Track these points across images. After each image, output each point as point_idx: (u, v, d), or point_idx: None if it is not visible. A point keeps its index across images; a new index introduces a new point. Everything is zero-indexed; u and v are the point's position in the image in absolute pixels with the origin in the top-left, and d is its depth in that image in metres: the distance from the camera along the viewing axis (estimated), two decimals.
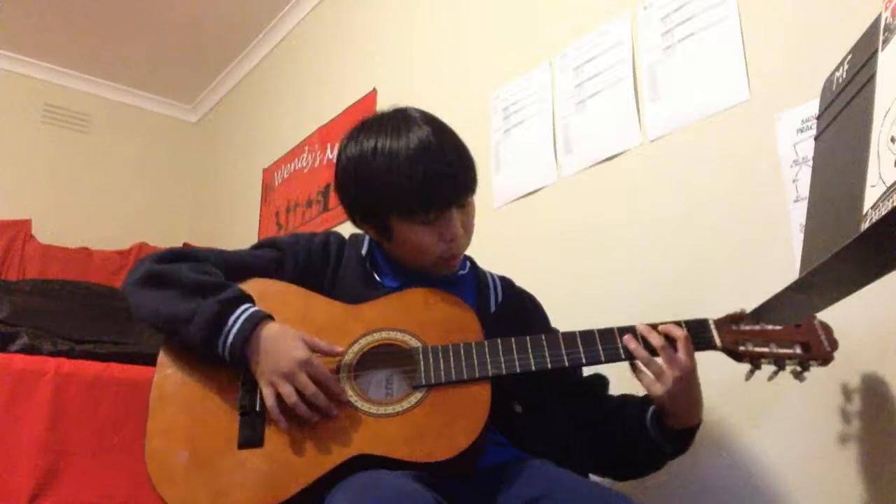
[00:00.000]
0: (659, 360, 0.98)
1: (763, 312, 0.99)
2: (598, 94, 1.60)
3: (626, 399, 1.15)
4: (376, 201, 1.07)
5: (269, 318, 1.00)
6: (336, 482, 0.88)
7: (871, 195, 0.64)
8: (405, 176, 1.02)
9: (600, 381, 1.21)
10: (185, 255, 1.08)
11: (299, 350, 0.96)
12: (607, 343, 1.01)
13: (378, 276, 1.15)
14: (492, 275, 1.25)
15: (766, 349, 0.99)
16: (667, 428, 1.03)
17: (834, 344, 0.98)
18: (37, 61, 3.51)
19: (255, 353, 0.97)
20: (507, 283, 1.26)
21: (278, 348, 0.96)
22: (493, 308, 1.17)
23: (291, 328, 0.99)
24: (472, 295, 1.18)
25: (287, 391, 0.94)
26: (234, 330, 0.97)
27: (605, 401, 1.18)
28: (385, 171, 1.04)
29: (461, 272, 1.20)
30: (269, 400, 0.95)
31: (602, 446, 1.12)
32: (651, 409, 1.06)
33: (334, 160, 1.16)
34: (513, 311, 1.19)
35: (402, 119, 1.09)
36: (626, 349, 1.00)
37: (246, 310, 0.99)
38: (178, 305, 0.99)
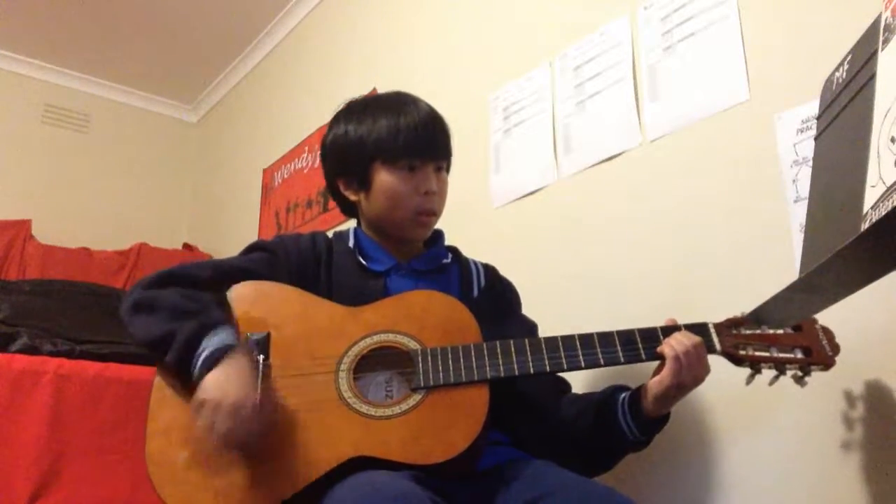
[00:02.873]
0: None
1: (763, 312, 0.99)
2: (598, 94, 1.60)
3: (586, 394, 1.17)
4: (364, 147, 1.15)
5: (245, 348, 0.98)
6: (334, 483, 0.88)
7: (871, 195, 0.64)
8: (395, 125, 1.14)
9: (562, 382, 1.22)
10: (175, 276, 1.07)
11: (248, 403, 0.91)
12: (606, 347, 1.01)
13: (366, 262, 1.17)
14: (475, 262, 1.28)
15: (766, 353, 0.98)
16: (643, 415, 1.03)
17: (836, 349, 0.98)
18: (37, 61, 3.51)
19: (214, 371, 0.94)
20: (490, 270, 1.29)
21: (234, 379, 0.93)
22: (475, 294, 1.21)
23: (258, 375, 0.96)
24: (457, 282, 1.21)
25: (203, 424, 0.91)
26: (206, 353, 0.96)
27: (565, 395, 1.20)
28: (378, 123, 1.15)
29: (445, 261, 1.23)
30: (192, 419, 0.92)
31: (560, 435, 1.12)
32: (623, 395, 1.07)
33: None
34: (494, 297, 1.23)
35: (394, 94, 1.22)
36: (630, 352, 1.00)
37: (222, 334, 0.97)
38: (157, 330, 0.99)
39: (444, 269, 1.22)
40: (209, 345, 0.96)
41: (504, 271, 1.31)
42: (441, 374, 0.99)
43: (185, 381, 0.99)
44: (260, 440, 0.92)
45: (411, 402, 0.97)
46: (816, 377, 0.99)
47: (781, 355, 0.98)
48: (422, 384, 0.98)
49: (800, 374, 0.97)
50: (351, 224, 1.28)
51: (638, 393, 1.05)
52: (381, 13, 2.53)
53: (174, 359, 0.97)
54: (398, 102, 1.18)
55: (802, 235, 0.93)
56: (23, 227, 3.13)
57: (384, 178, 1.15)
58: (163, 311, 1.01)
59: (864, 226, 0.63)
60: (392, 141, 1.13)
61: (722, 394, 1.20)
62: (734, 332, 1.01)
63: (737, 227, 1.28)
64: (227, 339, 0.98)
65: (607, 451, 1.10)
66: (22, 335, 1.94)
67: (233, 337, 0.99)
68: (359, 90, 2.45)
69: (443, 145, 1.19)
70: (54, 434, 1.81)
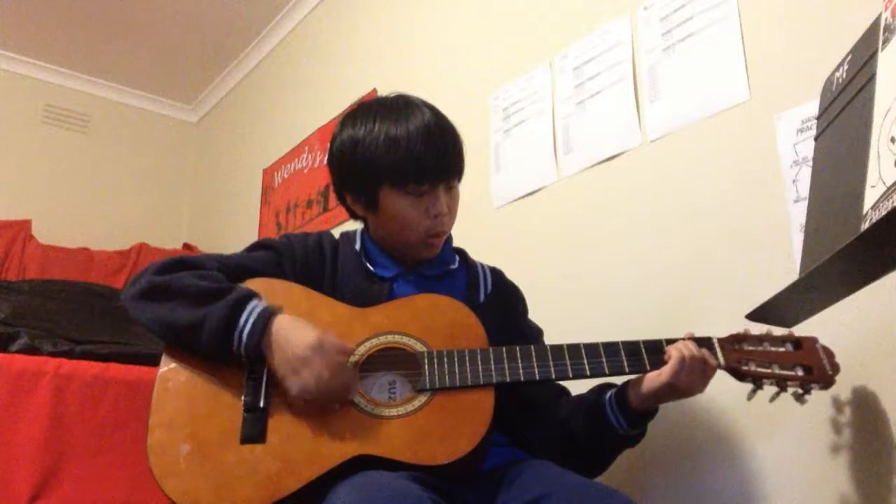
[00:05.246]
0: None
1: (763, 313, 0.99)
2: (598, 94, 1.60)
3: (579, 395, 1.16)
4: (371, 169, 1.11)
5: (279, 311, 1.01)
6: (337, 481, 0.88)
7: (871, 195, 0.64)
8: (404, 147, 1.08)
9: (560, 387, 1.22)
10: (184, 262, 1.08)
11: (310, 335, 0.96)
12: (612, 357, 1.02)
13: (373, 267, 1.16)
14: (482, 266, 1.27)
15: (768, 370, 1.00)
16: (630, 408, 1.04)
17: (835, 367, 0.99)
18: (37, 61, 3.51)
19: (269, 348, 0.97)
20: (496, 273, 1.28)
21: (290, 338, 0.97)
22: (481, 298, 1.20)
23: (303, 319, 1.00)
24: (463, 287, 1.20)
25: (305, 379, 0.94)
26: (247, 329, 0.97)
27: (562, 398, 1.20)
28: (386, 142, 1.09)
29: (452, 266, 1.22)
30: (293, 390, 0.95)
31: (556, 435, 1.12)
32: (611, 391, 1.07)
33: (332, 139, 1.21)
34: (499, 301, 1.22)
35: (403, 102, 1.16)
36: (634, 362, 1.01)
37: (255, 307, 0.99)
38: (184, 315, 0.99)
39: (450, 274, 1.21)
40: (247, 323, 0.97)
41: (504, 271, 1.31)
42: (447, 376, 0.99)
43: (197, 364, 1.00)
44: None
45: (417, 403, 0.98)
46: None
47: (782, 372, 1.00)
48: (427, 386, 0.98)
49: (800, 391, 0.99)
50: (358, 224, 1.27)
51: (625, 387, 1.05)
52: (381, 13, 2.53)
53: (210, 344, 0.97)
54: (406, 116, 1.11)
55: (802, 235, 0.93)
56: (23, 227, 3.13)
57: (393, 203, 1.11)
58: (183, 296, 1.01)
59: (864, 226, 0.63)
60: (400, 165, 1.08)
61: (725, 401, 1.20)
62: (737, 347, 1.03)
63: (737, 227, 1.28)
64: (258, 312, 0.99)
65: (600, 447, 1.10)
66: (22, 335, 1.94)
67: (263, 307, 1.00)
68: (359, 90, 2.47)
69: (453, 164, 1.14)
70: (54, 434, 1.81)
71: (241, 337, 0.97)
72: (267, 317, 0.99)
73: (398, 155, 1.08)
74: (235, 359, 0.99)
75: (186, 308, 0.99)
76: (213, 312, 0.98)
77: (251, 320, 0.98)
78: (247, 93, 3.51)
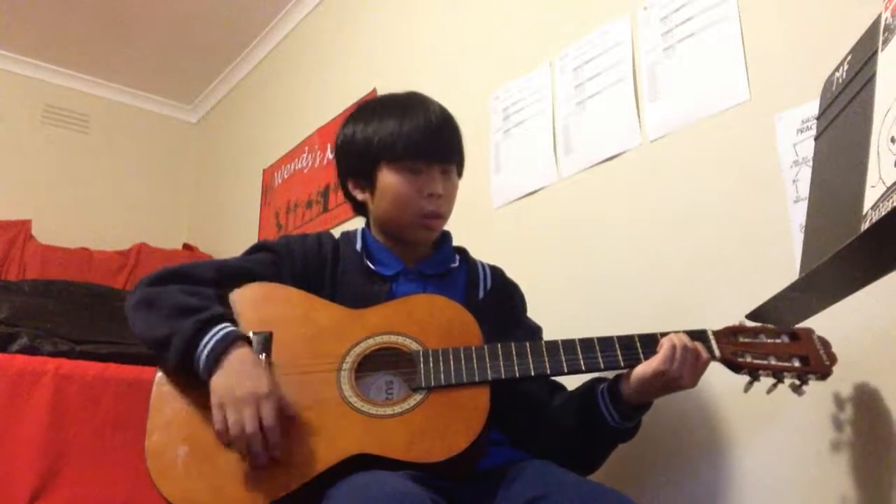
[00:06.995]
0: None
1: (763, 313, 0.99)
2: (598, 94, 1.60)
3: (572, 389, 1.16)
4: (369, 148, 1.16)
5: (246, 340, 0.99)
6: (335, 481, 0.88)
7: (871, 195, 0.64)
8: (401, 125, 1.14)
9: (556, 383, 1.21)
10: (178, 274, 1.07)
11: (263, 384, 0.93)
12: (606, 351, 1.01)
13: (374, 265, 1.17)
14: (483, 264, 1.28)
15: (764, 362, 1.00)
16: (622, 400, 1.03)
17: (832, 358, 0.99)
18: (37, 61, 3.51)
19: (219, 367, 0.95)
20: (496, 271, 1.29)
21: (242, 372, 0.94)
22: (481, 296, 1.21)
23: (263, 362, 0.98)
24: (463, 285, 1.21)
25: (233, 420, 0.91)
26: (207, 349, 0.96)
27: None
28: (385, 124, 1.15)
29: (452, 265, 1.23)
30: (217, 424, 0.92)
31: (549, 429, 1.12)
32: (603, 383, 1.07)
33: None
34: (499, 300, 1.23)
35: (405, 94, 1.22)
36: (629, 356, 1.01)
37: (222, 329, 0.97)
38: (158, 329, 0.99)
39: (450, 272, 1.22)
40: (208, 343, 0.96)
41: (504, 271, 1.31)
42: (442, 374, 0.99)
43: (188, 377, 1.00)
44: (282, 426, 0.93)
45: (412, 401, 0.98)
46: (812, 381, 1.00)
47: (779, 363, 0.99)
48: (423, 384, 0.99)
49: (797, 382, 0.99)
50: (358, 224, 1.28)
51: (617, 379, 1.05)
52: (381, 13, 2.53)
53: (175, 361, 0.97)
54: (408, 103, 1.17)
55: (802, 235, 0.93)
56: (23, 227, 3.13)
57: (388, 180, 1.14)
58: (162, 310, 1.01)
59: (864, 226, 0.63)
60: (397, 142, 1.13)
61: (724, 397, 1.20)
62: (732, 339, 1.02)
63: (737, 227, 1.28)
64: (223, 334, 0.97)
65: (593, 441, 1.09)
66: (22, 335, 1.94)
67: (229, 330, 0.98)
68: (359, 90, 2.47)
69: (450, 147, 1.18)
70: (54, 434, 1.81)
71: (200, 357, 0.96)
72: (230, 340, 0.96)
73: (395, 132, 1.13)
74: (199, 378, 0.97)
75: (161, 322, 0.99)
76: (182, 328, 0.97)
77: (214, 340, 0.96)
78: (247, 93, 3.51)
